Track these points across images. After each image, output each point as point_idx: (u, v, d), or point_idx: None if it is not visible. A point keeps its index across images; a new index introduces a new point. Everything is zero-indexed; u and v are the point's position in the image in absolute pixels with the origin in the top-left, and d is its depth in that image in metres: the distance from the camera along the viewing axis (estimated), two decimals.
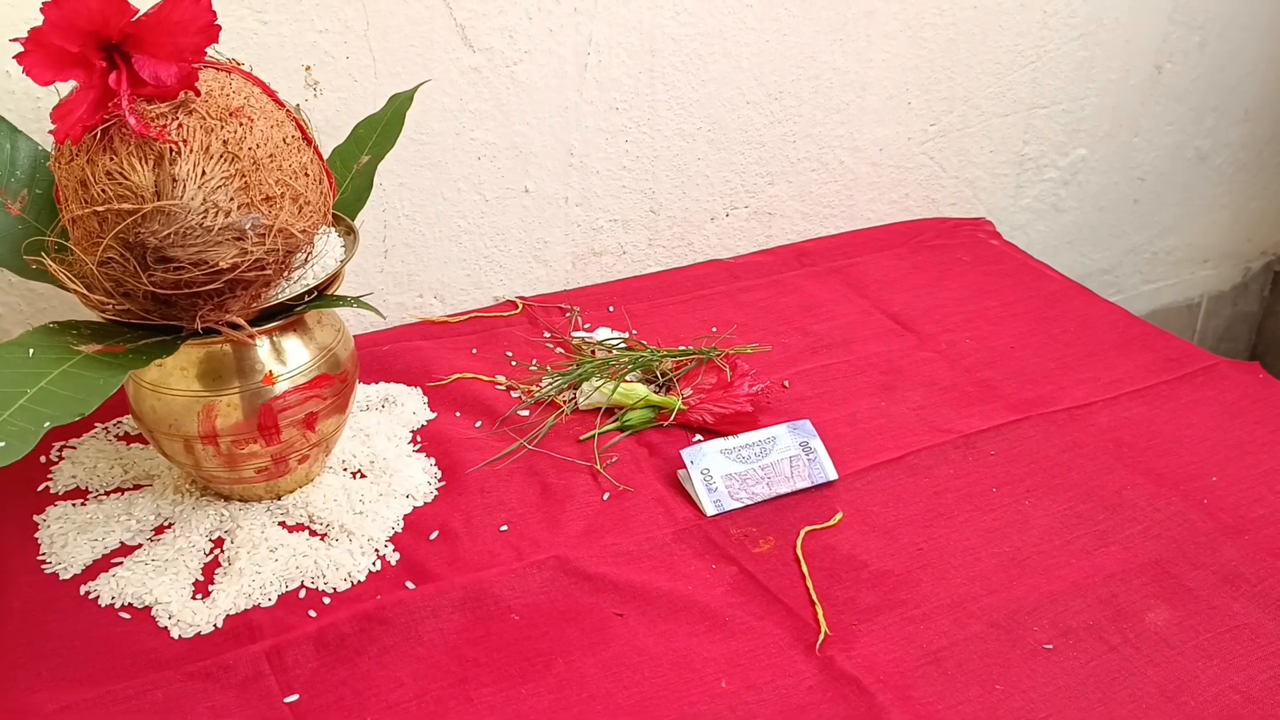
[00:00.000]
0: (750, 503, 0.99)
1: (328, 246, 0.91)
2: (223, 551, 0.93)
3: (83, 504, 0.97)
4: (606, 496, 1.00)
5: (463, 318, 1.28)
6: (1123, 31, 1.61)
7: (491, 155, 1.25)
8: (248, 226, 0.79)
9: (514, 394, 1.14)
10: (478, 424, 1.09)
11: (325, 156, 0.92)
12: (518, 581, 0.90)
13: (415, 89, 1.01)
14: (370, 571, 0.91)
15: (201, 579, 0.90)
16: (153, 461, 1.01)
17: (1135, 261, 1.85)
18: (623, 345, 1.20)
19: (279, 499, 0.97)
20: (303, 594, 0.89)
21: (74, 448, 1.03)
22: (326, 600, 0.88)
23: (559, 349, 1.22)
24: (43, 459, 1.02)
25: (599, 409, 1.10)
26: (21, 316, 1.09)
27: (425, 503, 0.99)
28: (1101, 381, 1.18)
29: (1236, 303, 2.03)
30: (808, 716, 0.80)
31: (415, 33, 1.15)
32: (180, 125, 0.79)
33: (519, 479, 1.02)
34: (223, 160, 0.79)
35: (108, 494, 0.98)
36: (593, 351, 1.18)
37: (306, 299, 0.87)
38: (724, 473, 1.00)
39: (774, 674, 0.83)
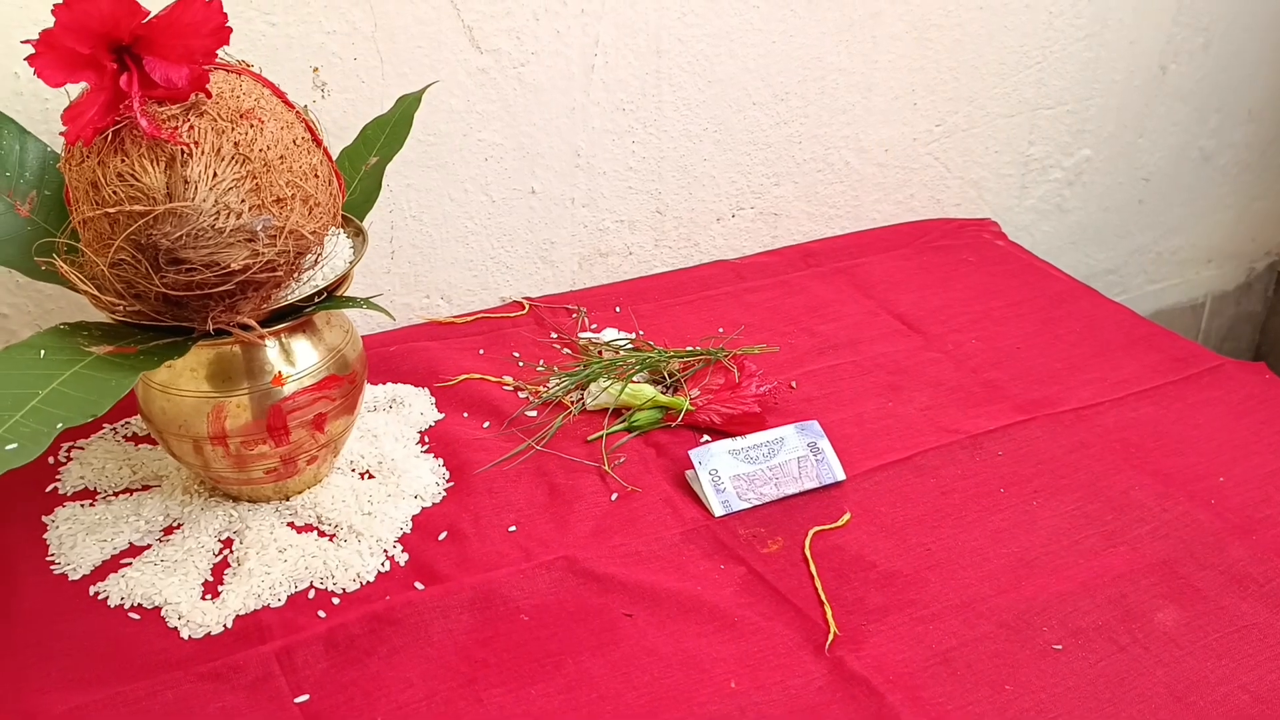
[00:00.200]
0: (758, 503, 1.00)
1: (337, 248, 0.91)
2: (232, 552, 0.93)
3: (91, 505, 0.97)
4: (615, 497, 1.00)
5: (470, 318, 1.28)
6: (1127, 32, 1.61)
7: (498, 156, 1.25)
8: (259, 228, 0.79)
9: (521, 395, 1.14)
10: (485, 424, 1.09)
11: (334, 158, 0.93)
12: (526, 582, 0.90)
13: (423, 90, 1.02)
14: (379, 572, 0.91)
15: (211, 579, 0.90)
16: (161, 462, 1.01)
17: (1140, 261, 1.85)
18: (630, 346, 1.20)
19: (287, 500, 0.98)
20: (312, 594, 0.89)
21: (82, 448, 1.04)
22: (336, 601, 0.89)
23: (566, 350, 1.22)
24: (51, 460, 1.02)
25: (606, 410, 1.10)
26: (30, 318, 1.09)
27: (434, 503, 0.99)
28: (1108, 382, 1.18)
29: (1240, 303, 2.03)
30: (817, 717, 0.80)
31: (423, 34, 1.15)
32: (191, 127, 0.79)
33: (527, 479, 1.02)
34: (234, 162, 0.79)
35: (116, 495, 0.99)
36: (600, 352, 1.18)
37: (316, 300, 0.88)
38: (732, 473, 1.00)
39: (783, 674, 0.83)
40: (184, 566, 0.90)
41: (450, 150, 1.22)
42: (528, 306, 1.30)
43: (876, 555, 0.94)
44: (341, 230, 0.94)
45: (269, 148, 0.81)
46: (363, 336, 1.02)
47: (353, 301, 0.89)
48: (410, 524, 0.96)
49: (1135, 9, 1.59)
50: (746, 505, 0.99)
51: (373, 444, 1.04)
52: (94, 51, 0.76)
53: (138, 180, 0.77)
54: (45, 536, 0.94)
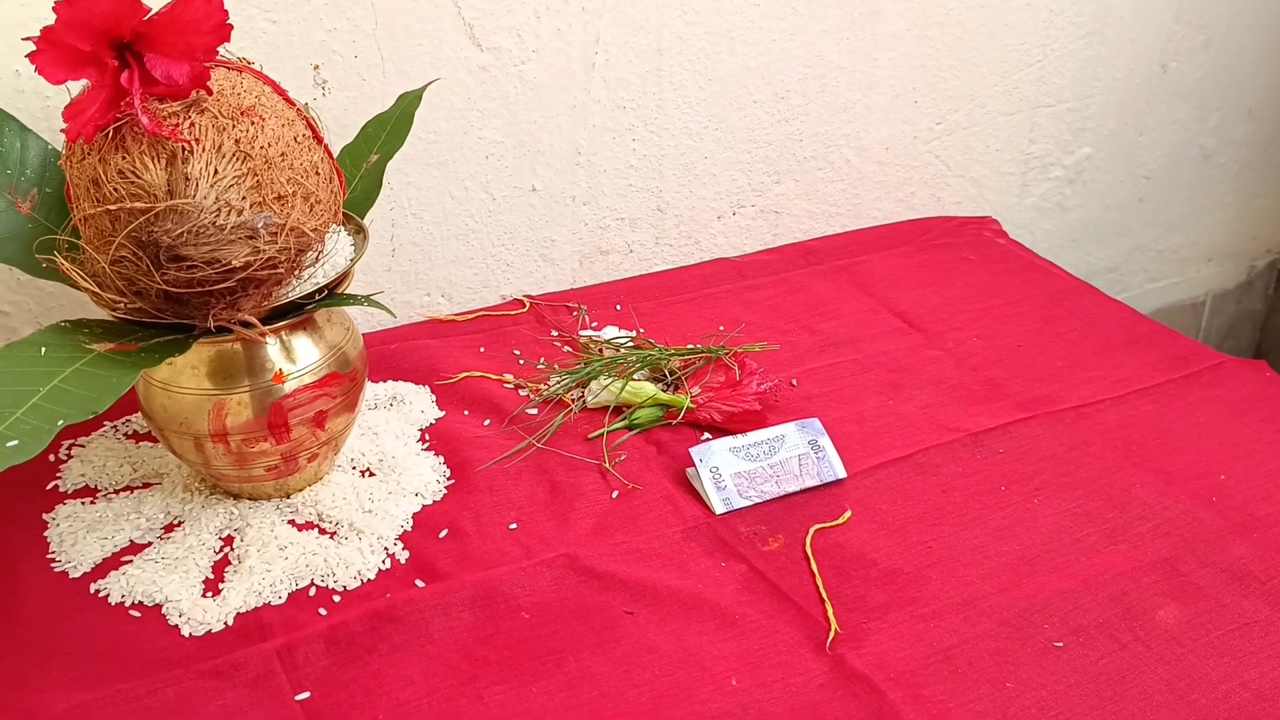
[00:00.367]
0: (759, 501, 1.00)
1: (338, 245, 0.91)
2: (232, 550, 0.93)
3: (92, 502, 0.97)
4: (615, 495, 1.00)
5: (470, 316, 1.28)
6: (1128, 30, 1.61)
7: (499, 154, 1.25)
8: (260, 225, 0.79)
9: (522, 392, 1.14)
10: (486, 422, 1.09)
11: (335, 155, 0.93)
12: (527, 580, 0.90)
13: (424, 88, 1.01)
14: (380, 570, 0.91)
15: (211, 577, 0.90)
16: (162, 460, 1.01)
17: (1140, 260, 1.85)
18: (630, 344, 1.20)
19: (288, 497, 0.97)
20: (313, 592, 0.89)
21: (83, 446, 1.04)
22: (336, 598, 0.89)
23: (567, 347, 1.22)
24: (52, 457, 1.02)
25: (607, 407, 1.10)
26: (30, 315, 1.09)
27: (434, 501, 0.99)
28: (1109, 380, 1.18)
29: (1241, 301, 2.03)
30: (818, 714, 0.80)
31: (423, 32, 1.15)
32: (192, 124, 0.79)
33: (528, 477, 1.02)
34: (235, 159, 0.79)
35: (117, 492, 0.99)
36: (600, 350, 1.18)
37: (317, 297, 0.88)
38: (733, 471, 1.00)
39: (784, 672, 0.83)
40: (185, 564, 0.90)
41: (451, 148, 1.22)
42: (528, 304, 1.30)
43: (877, 553, 0.94)
44: (342, 228, 0.94)
45: (270, 145, 0.81)
46: (364, 334, 1.02)
47: (353, 299, 0.89)
48: (411, 521, 0.96)
49: (1136, 7, 1.59)
50: (747, 503, 0.99)
51: (374, 442, 1.04)
52: (95, 49, 0.76)
53: (139, 177, 0.77)
54: (46, 534, 0.94)
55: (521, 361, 1.19)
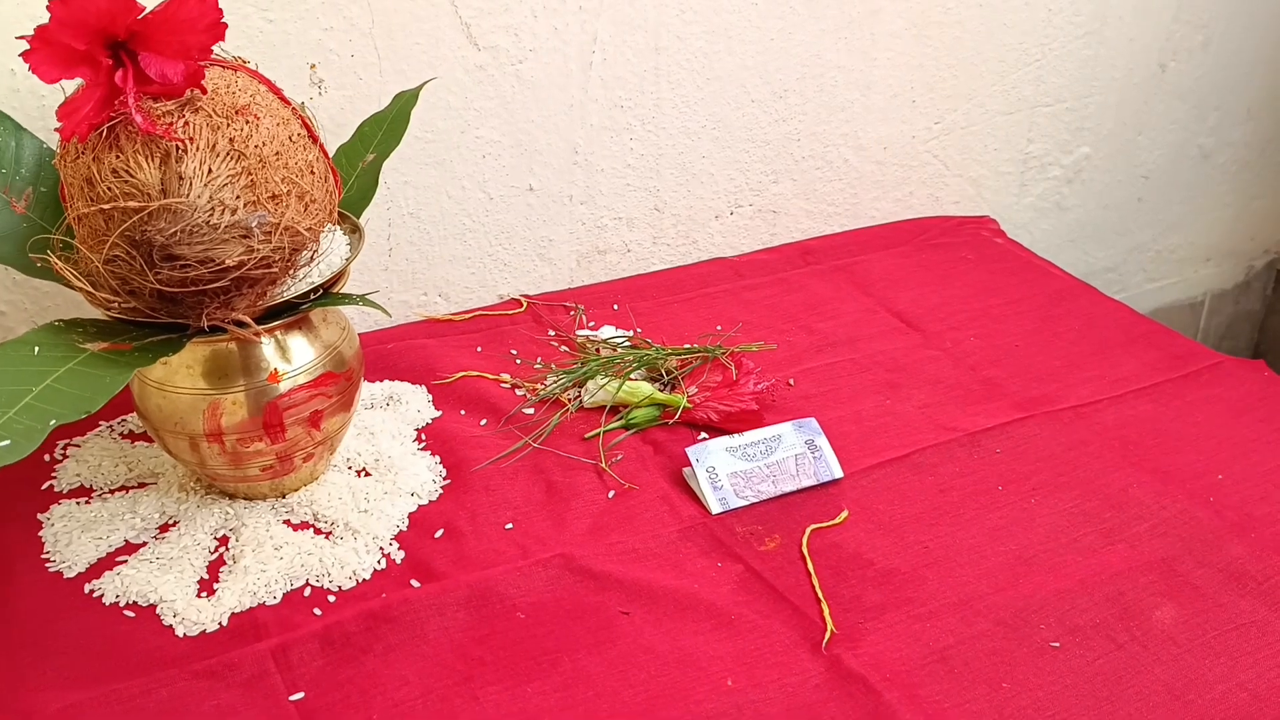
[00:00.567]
0: (756, 500, 0.99)
1: (333, 244, 0.91)
2: (227, 550, 0.93)
3: (87, 502, 0.97)
4: (612, 494, 1.00)
5: (467, 316, 1.28)
6: (1127, 30, 1.60)
7: (496, 153, 1.24)
8: (254, 224, 0.79)
9: (519, 392, 1.13)
10: (483, 422, 1.09)
11: (330, 154, 0.92)
12: (523, 580, 0.90)
13: (420, 87, 1.01)
14: (375, 570, 0.91)
15: (206, 577, 0.90)
16: (157, 460, 1.01)
17: (1139, 259, 1.85)
18: (627, 343, 1.19)
19: (284, 497, 0.97)
20: (308, 592, 0.89)
21: (78, 446, 1.03)
22: (331, 598, 0.88)
23: (564, 347, 1.22)
24: (47, 457, 1.02)
25: (604, 407, 1.10)
26: (26, 315, 1.09)
27: (430, 501, 0.99)
28: (1107, 379, 1.18)
29: (1239, 301, 2.03)
30: (814, 715, 0.80)
31: (420, 31, 1.15)
32: (186, 123, 0.79)
33: (524, 477, 1.02)
34: (229, 158, 0.79)
35: (112, 492, 0.98)
36: (597, 350, 1.18)
37: (312, 297, 0.87)
38: (729, 470, 1.00)
39: (780, 672, 0.83)
40: (179, 564, 0.90)
41: (448, 147, 1.22)
42: (525, 304, 1.30)
43: (874, 553, 0.94)
44: (338, 227, 0.94)
45: (264, 144, 0.81)
46: (361, 334, 1.02)
47: (348, 298, 0.89)
48: (407, 521, 0.96)
49: (1134, 6, 1.59)
50: (744, 503, 0.99)
51: (370, 441, 1.04)
52: (89, 47, 0.76)
53: (132, 176, 0.77)
54: (41, 534, 0.94)
55: (518, 361, 1.19)
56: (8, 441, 0.69)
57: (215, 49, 0.81)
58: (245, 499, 0.97)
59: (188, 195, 0.77)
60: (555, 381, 1.13)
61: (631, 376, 1.13)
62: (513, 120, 1.24)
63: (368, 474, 1.01)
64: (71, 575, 0.90)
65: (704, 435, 1.08)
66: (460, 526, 0.96)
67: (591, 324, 1.26)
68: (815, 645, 0.85)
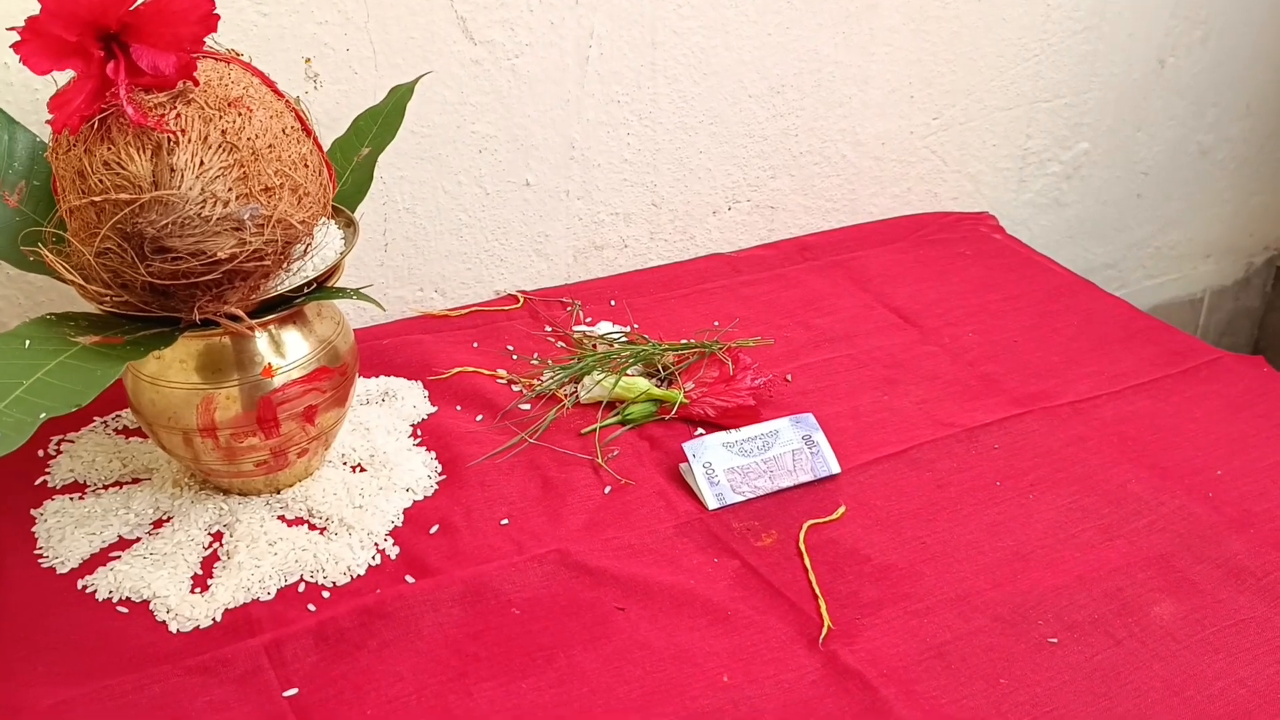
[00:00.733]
0: (752, 496, 0.99)
1: (327, 238, 0.90)
2: (222, 545, 0.92)
3: (81, 498, 0.96)
4: (608, 490, 1.00)
5: (463, 311, 1.27)
6: (1125, 25, 1.60)
7: (492, 148, 1.24)
8: (246, 217, 0.78)
9: (515, 388, 1.13)
10: (479, 418, 1.08)
11: (325, 148, 0.92)
12: (518, 575, 0.90)
13: (416, 81, 1.01)
14: (370, 565, 0.91)
15: (200, 573, 0.89)
16: (151, 455, 1.01)
17: (1138, 256, 1.85)
18: (624, 339, 1.19)
19: (278, 493, 0.97)
20: (302, 588, 0.88)
21: (72, 441, 1.03)
22: (326, 594, 0.88)
23: (560, 343, 1.21)
24: (41, 453, 1.02)
25: (600, 403, 1.10)
26: (20, 309, 1.09)
27: (425, 496, 0.98)
28: (1105, 375, 1.18)
29: (1238, 297, 2.02)
30: (810, 711, 0.80)
31: (416, 25, 1.14)
32: (178, 115, 0.78)
33: (520, 473, 1.01)
34: (221, 150, 0.78)
35: (106, 488, 0.98)
36: (594, 345, 1.18)
37: (306, 291, 0.87)
38: (726, 466, 1.00)
39: (776, 668, 0.83)
40: (173, 560, 0.90)
41: (444, 142, 1.21)
42: (522, 299, 1.30)
43: (871, 549, 0.94)
44: (332, 221, 0.93)
45: (257, 136, 0.80)
46: (356, 329, 1.02)
47: (342, 292, 0.89)
48: (401, 517, 0.96)
49: (1133, 2, 1.59)
50: (740, 498, 0.99)
51: (364, 437, 1.04)
52: (81, 39, 0.75)
53: (124, 168, 0.77)
54: (34, 529, 0.93)
55: (515, 357, 1.18)
56: None
57: (208, 42, 0.81)
58: (239, 494, 0.96)
59: (179, 187, 0.76)
60: (551, 377, 1.13)
61: (628, 372, 1.12)
62: (509, 115, 1.23)
63: (363, 469, 1.01)
64: (64, 571, 0.89)
65: (701, 431, 1.07)
66: (455, 522, 0.95)
67: (588, 319, 1.26)
68: (812, 641, 0.85)
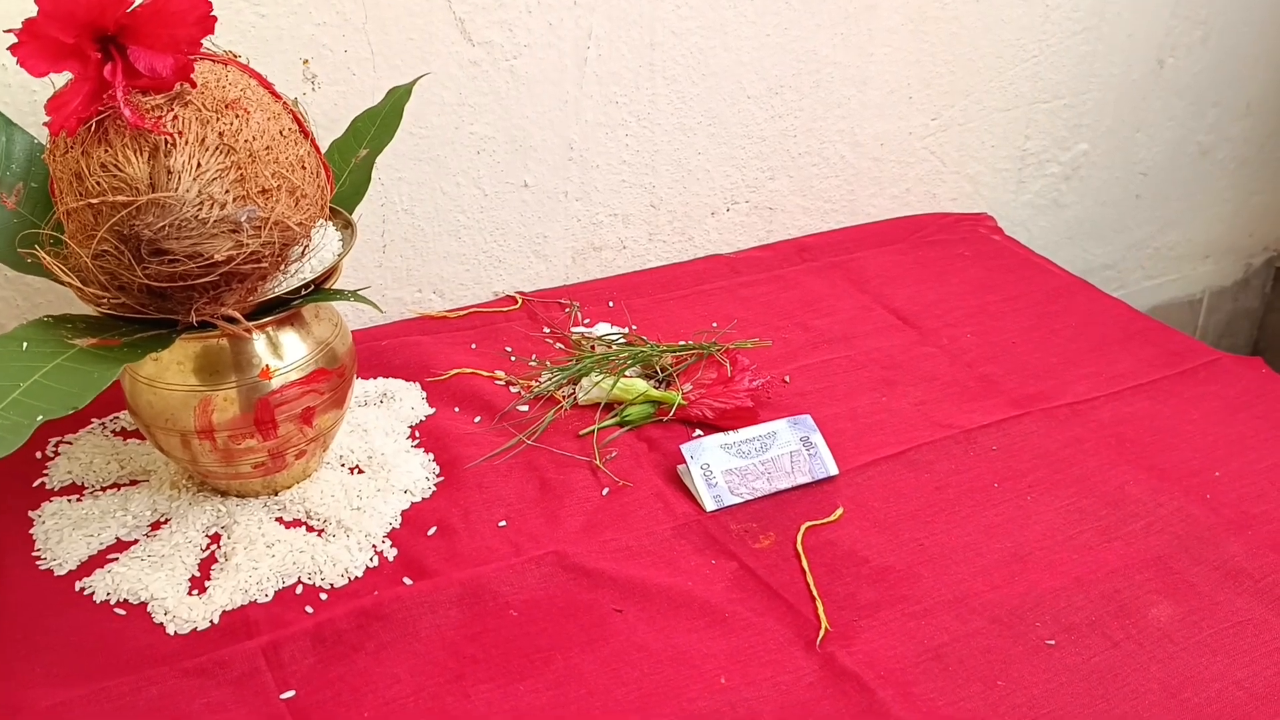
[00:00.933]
0: (750, 498, 0.99)
1: (325, 240, 0.90)
2: (219, 547, 0.92)
3: (79, 500, 0.96)
4: (606, 492, 1.00)
5: (462, 313, 1.27)
6: (1125, 26, 1.60)
7: (491, 149, 1.24)
8: (243, 219, 0.78)
9: (513, 389, 1.13)
10: (477, 419, 1.08)
11: (323, 150, 0.92)
12: (516, 577, 0.90)
13: (414, 82, 1.01)
14: (367, 567, 0.91)
15: (198, 575, 0.89)
16: (149, 457, 1.01)
17: (1137, 257, 1.85)
18: (622, 340, 1.19)
19: (276, 494, 0.97)
20: (299, 590, 0.88)
21: (70, 443, 1.03)
22: (323, 596, 0.88)
23: (558, 344, 1.21)
24: (39, 454, 1.02)
25: (598, 404, 1.10)
26: (17, 311, 1.09)
27: (423, 498, 0.98)
28: (1104, 377, 1.18)
29: (1238, 298, 2.02)
30: (808, 712, 0.80)
31: (414, 26, 1.14)
32: (176, 117, 0.78)
33: (518, 474, 1.01)
34: (218, 152, 0.78)
35: (104, 490, 0.98)
36: (592, 347, 1.18)
37: (303, 293, 0.87)
38: (724, 468, 1.00)
39: (774, 670, 0.83)
40: (171, 562, 0.90)
41: (442, 143, 1.21)
42: (520, 301, 1.30)
43: (869, 550, 0.94)
44: (330, 223, 0.93)
45: (254, 138, 0.80)
46: (354, 331, 1.02)
47: (340, 294, 0.89)
48: (399, 519, 0.96)
49: (1132, 2, 1.58)
50: (738, 500, 0.98)
51: (363, 438, 1.04)
52: (78, 41, 0.75)
53: (121, 170, 0.77)
54: (31, 531, 0.93)
55: (513, 358, 1.18)
56: None
57: (205, 43, 0.81)
58: (237, 496, 0.96)
59: (176, 189, 0.76)
60: (550, 378, 1.13)
61: (626, 373, 1.12)
62: (507, 116, 1.23)
63: (360, 471, 1.01)
64: (62, 573, 0.89)
65: (699, 432, 1.07)
66: (453, 524, 0.95)
67: (586, 321, 1.26)
68: (809, 643, 0.85)
